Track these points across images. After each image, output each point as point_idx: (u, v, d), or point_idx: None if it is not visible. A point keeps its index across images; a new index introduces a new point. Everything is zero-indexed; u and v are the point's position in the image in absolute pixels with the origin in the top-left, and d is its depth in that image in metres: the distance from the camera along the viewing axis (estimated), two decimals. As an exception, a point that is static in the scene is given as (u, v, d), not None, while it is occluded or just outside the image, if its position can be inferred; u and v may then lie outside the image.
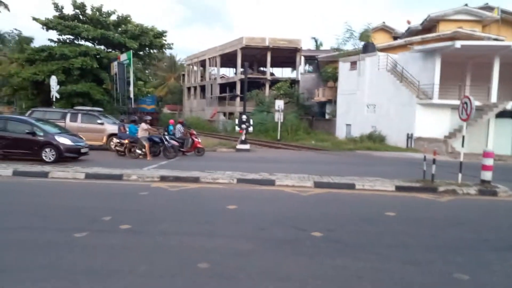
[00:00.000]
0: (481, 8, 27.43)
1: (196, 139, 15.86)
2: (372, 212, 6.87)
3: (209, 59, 46.78)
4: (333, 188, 8.92)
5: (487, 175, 9.24)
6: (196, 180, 9.40)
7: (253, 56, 41.44)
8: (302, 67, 41.33)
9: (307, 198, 7.89)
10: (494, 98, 20.99)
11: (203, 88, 49.08)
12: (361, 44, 28.94)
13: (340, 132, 27.21)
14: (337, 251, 4.73)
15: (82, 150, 12.54)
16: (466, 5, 26.75)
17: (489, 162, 9.26)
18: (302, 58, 40.05)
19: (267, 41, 38.68)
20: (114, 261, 4.22)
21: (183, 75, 57.81)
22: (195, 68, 52.56)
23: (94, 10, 29.11)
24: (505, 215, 7.33)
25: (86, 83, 25.94)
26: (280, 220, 6.11)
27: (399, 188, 8.98)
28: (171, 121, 17.08)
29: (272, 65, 43.75)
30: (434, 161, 9.52)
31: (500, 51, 20.66)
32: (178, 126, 16.05)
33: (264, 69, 43.80)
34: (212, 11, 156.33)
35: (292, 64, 45.02)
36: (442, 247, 5.03)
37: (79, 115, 17.02)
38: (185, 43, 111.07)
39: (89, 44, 28.62)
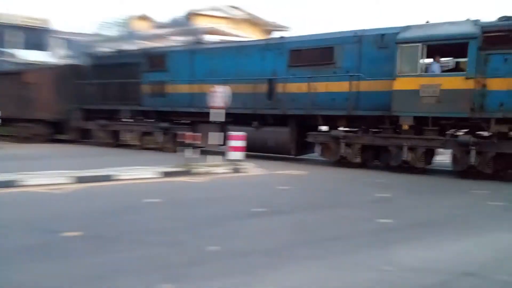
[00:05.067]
0: (232, 7, 31.01)
1: None
2: (135, 201, 6.86)
3: None
4: (92, 182, 8.40)
5: (235, 155, 10.61)
6: None
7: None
8: (58, 49, 37.11)
9: (61, 196, 7.17)
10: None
11: None
12: (121, 31, 28.16)
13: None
14: (94, 248, 4.49)
15: None
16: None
17: (236, 143, 10.64)
18: (57, 40, 36.00)
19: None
20: None
21: None
22: None
23: None
24: (249, 187, 8.63)
25: None
26: (27, 225, 5.36)
27: (162, 174, 9.28)
28: None
29: (15, 46, 37.57)
30: (193, 145, 10.28)
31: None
32: None
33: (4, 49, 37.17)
34: None
35: (44, 46, 39.84)
36: (198, 224, 5.52)
37: None
38: None
39: None
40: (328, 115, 12.04)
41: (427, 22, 10.96)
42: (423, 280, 3.72)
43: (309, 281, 3.68)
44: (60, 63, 21.38)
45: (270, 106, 12.79)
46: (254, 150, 13.36)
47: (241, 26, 31.25)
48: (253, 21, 32.44)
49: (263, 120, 13.10)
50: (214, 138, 11.47)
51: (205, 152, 11.59)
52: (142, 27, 31.46)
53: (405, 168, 10.75)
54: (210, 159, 10.68)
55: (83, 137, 17.89)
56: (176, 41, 23.67)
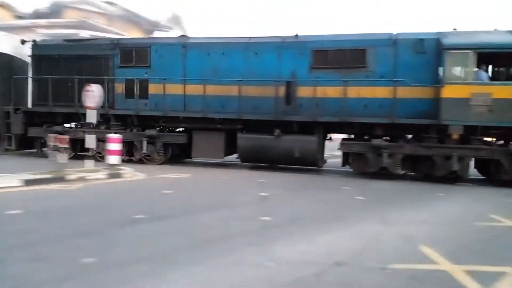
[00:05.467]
0: (106, 2, 29.17)
1: None
2: (-8, 214, 5.98)
3: None
4: None
5: (113, 159, 9.98)
6: None
7: None
8: None
9: None
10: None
11: None
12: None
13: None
14: None
15: None
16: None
17: (114, 147, 10.03)
18: None
19: None
20: None
21: None
22: None
23: None
24: (129, 194, 8.20)
25: None
26: None
27: (27, 182, 8.24)
28: None
29: None
30: (60, 149, 9.34)
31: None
32: None
33: None
34: None
35: None
36: (71, 236, 5.03)
37: None
38: None
39: None
40: (364, 123, 11.06)
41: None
42: (300, 272, 3.97)
43: (191, 286, 3.64)
44: None
45: (290, 111, 11.44)
46: (274, 162, 12.28)
47: (116, 23, 29.76)
48: (130, 19, 31.13)
49: (279, 127, 11.58)
50: (91, 141, 10.52)
51: (82, 157, 10.68)
52: (1, 16, 27.82)
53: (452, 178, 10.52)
54: (87, 164, 9.88)
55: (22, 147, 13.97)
56: (42, 34, 21.51)
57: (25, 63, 14.49)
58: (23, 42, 14.14)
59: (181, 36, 13.87)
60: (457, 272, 4.04)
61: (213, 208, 6.96)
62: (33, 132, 13.51)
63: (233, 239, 5.09)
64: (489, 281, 3.83)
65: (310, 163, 11.74)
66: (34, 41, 14.29)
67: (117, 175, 9.67)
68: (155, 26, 35.34)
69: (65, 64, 13.45)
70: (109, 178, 9.44)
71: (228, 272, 3.96)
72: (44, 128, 13.24)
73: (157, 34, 36.69)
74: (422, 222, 6.30)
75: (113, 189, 8.58)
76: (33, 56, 13.96)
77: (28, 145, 13.89)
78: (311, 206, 7.44)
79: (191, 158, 13.08)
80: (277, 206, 7.33)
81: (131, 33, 29.24)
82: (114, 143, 10.05)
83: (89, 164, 9.93)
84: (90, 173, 9.34)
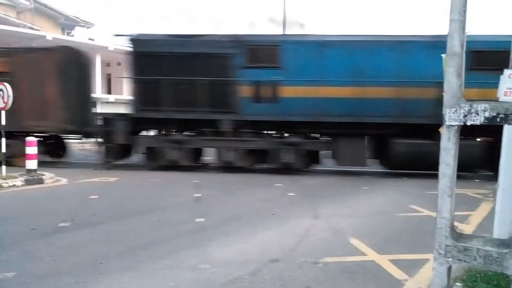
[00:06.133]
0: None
1: None
2: None
3: None
4: None
5: (31, 164, 9.23)
6: None
7: None
8: None
9: None
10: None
11: None
12: None
13: None
14: None
15: None
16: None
17: (32, 150, 9.28)
18: None
19: None
20: None
21: None
22: None
23: None
24: (50, 200, 7.63)
25: None
26: None
27: None
28: None
29: None
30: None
31: (37, 40, 21.27)
32: None
33: None
34: None
35: None
36: (-16, 250, 4.56)
37: None
38: None
39: None
40: None
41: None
42: (236, 272, 3.97)
43: (124, 294, 3.47)
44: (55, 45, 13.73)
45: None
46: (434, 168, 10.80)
47: (28, 17, 27.69)
48: (43, 12, 29.14)
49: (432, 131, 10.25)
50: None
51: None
52: None
53: None
54: (2, 170, 9.03)
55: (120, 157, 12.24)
56: None
57: (88, 58, 13.24)
58: (117, 35, 12.46)
59: (316, 34, 12.26)
60: (383, 262, 4.30)
61: (142, 212, 6.71)
62: (144, 141, 12.17)
63: (167, 243, 4.95)
64: (413, 268, 4.13)
65: (475, 170, 11.10)
66: (132, 35, 12.01)
67: (39, 181, 8.96)
68: (74, 21, 33.32)
69: (172, 63, 11.58)
70: (27, 184, 8.72)
71: (161, 277, 3.84)
72: (161, 137, 12.18)
73: (77, 29, 34.69)
74: (350, 216, 6.62)
75: (35, 196, 7.92)
76: (134, 53, 11.90)
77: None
78: (246, 205, 7.49)
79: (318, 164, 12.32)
80: (209, 207, 7.26)
81: (46, 29, 27.28)
82: (32, 146, 9.30)
83: (4, 170, 9.08)
84: (8, 179, 8.55)
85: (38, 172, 9.35)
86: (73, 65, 12.09)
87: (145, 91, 11.73)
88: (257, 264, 4.20)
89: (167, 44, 11.81)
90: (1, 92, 8.99)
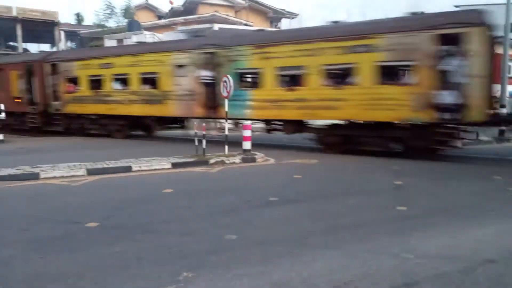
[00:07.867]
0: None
1: None
2: (150, 192, 6.94)
3: None
4: (109, 174, 8.50)
5: (247, 145, 10.59)
6: None
7: (-2, 28, 34.52)
8: (63, 43, 37.21)
9: (80, 188, 7.28)
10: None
11: None
12: (125, 22, 28.36)
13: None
14: (115, 238, 4.57)
15: None
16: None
17: (248, 133, 10.62)
18: (62, 33, 36.00)
19: (14, 11, 32.92)
20: None
21: None
22: None
23: None
24: (261, 177, 8.62)
25: None
26: (48, 217, 5.46)
27: (175, 165, 9.30)
28: None
29: (25, 40, 37.69)
30: (204, 136, 10.28)
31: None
32: None
33: (15, 44, 37.36)
34: None
35: (51, 40, 39.95)
36: (214, 213, 5.54)
37: None
38: None
39: None
40: None
41: None
42: (443, 267, 3.71)
43: (327, 269, 3.69)
44: None
45: None
46: None
47: (243, 14, 31.16)
48: (255, 9, 32.32)
49: None
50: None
51: (216, 143, 11.58)
52: (145, 17, 31.59)
53: None
54: (223, 149, 10.69)
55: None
56: (179, 31, 23.74)
57: None
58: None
59: None
60: None
61: (344, 194, 6.90)
62: None
63: (368, 227, 4.97)
64: None
65: None
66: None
67: (252, 160, 10.25)
68: (281, 14, 35.99)
69: None
70: (243, 162, 10.06)
71: (363, 259, 3.91)
72: None
73: (283, 21, 37.40)
74: None
75: (248, 172, 9.10)
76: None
77: None
78: (453, 197, 6.82)
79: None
80: (412, 195, 6.89)
81: (257, 23, 30.29)
82: (247, 129, 10.65)
83: (226, 149, 10.69)
84: (228, 157, 10.08)
85: (252, 152, 10.66)
86: None
87: None
88: (469, 262, 3.82)
89: None
90: (225, 83, 10.55)
